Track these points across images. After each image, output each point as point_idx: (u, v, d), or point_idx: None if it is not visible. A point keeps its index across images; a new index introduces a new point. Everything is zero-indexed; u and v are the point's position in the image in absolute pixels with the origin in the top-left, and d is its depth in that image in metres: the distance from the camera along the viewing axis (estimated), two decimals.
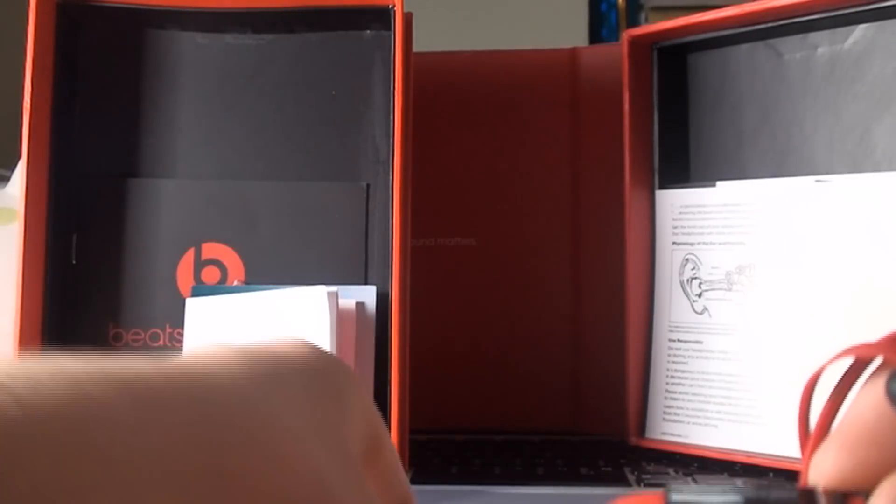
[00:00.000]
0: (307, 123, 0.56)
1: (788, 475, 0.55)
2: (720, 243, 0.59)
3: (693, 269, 0.60)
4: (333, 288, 0.51)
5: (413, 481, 0.54)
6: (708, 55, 0.63)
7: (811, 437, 0.22)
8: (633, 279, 0.62)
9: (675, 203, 0.62)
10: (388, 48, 0.55)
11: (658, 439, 0.61)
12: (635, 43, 0.63)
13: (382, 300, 0.53)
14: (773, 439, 0.56)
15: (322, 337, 0.50)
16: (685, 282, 0.61)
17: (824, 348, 0.54)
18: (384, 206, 0.54)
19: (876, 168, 0.55)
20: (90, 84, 0.56)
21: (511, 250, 0.71)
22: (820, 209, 0.55)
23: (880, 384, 0.21)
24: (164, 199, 0.55)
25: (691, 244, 0.61)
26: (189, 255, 0.55)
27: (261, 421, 0.22)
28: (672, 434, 0.60)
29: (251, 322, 0.52)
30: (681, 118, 0.64)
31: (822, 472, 0.21)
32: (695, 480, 0.55)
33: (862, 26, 0.56)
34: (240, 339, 0.52)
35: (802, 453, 0.22)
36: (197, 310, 0.53)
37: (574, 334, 0.70)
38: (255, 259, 0.55)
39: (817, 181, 0.55)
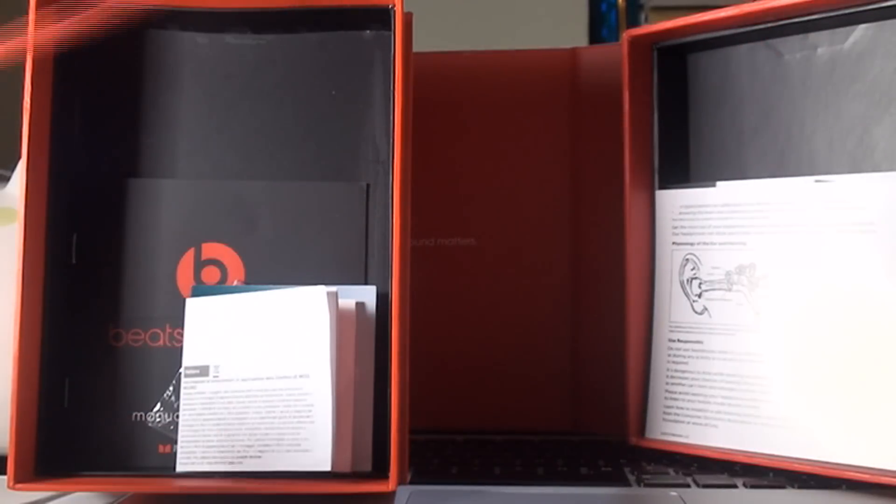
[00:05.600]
0: (307, 123, 0.56)
1: (788, 475, 0.55)
2: (720, 243, 0.59)
3: (693, 269, 0.60)
4: (333, 288, 0.51)
5: (413, 481, 0.54)
6: (708, 55, 0.63)
7: None
8: (633, 279, 0.62)
9: (675, 203, 0.62)
10: (388, 48, 0.55)
11: (658, 439, 0.61)
12: (635, 43, 0.63)
13: (382, 300, 0.53)
14: (773, 439, 0.56)
15: (322, 337, 0.50)
16: (685, 282, 0.61)
17: (824, 348, 0.54)
18: (384, 206, 0.54)
19: (876, 168, 0.55)
20: (90, 84, 0.56)
21: (511, 250, 0.71)
22: (820, 209, 0.55)
23: None
24: (164, 199, 0.55)
25: (691, 244, 0.61)
26: (189, 255, 0.55)
27: None
28: (672, 434, 0.60)
29: (251, 322, 0.52)
30: (681, 118, 0.64)
31: None
32: (695, 480, 0.55)
33: (862, 26, 0.56)
34: (240, 340, 0.52)
35: None
36: (197, 310, 0.53)
37: (574, 334, 0.70)
38: (255, 259, 0.55)
39: (817, 181, 0.55)
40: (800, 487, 0.54)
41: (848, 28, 0.57)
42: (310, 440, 0.49)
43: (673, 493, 0.53)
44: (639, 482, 0.55)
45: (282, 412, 0.50)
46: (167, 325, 0.55)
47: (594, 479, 0.56)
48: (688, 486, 0.54)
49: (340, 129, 0.56)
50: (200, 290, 0.54)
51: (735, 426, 0.57)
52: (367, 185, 0.55)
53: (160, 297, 0.55)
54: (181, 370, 0.52)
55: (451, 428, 0.69)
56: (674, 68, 0.64)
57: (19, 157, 0.52)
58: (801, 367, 0.55)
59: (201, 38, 0.56)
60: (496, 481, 0.56)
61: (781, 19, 0.58)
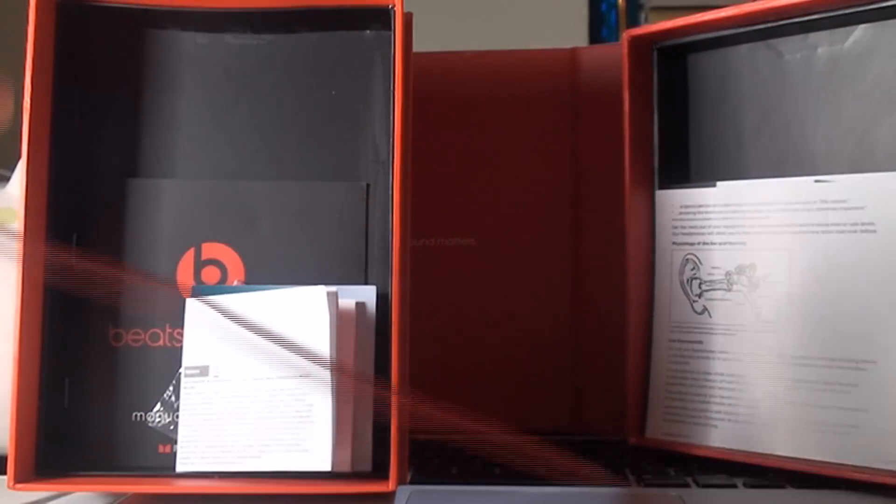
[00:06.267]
0: (307, 123, 0.56)
1: (788, 475, 0.55)
2: (720, 243, 0.59)
3: (693, 269, 0.60)
4: (333, 288, 0.51)
5: (413, 481, 0.54)
6: (708, 55, 0.63)
7: None
8: (633, 279, 0.62)
9: (675, 203, 0.62)
10: (388, 48, 0.55)
11: (658, 439, 0.61)
12: (635, 43, 0.63)
13: (382, 300, 0.53)
14: (773, 439, 0.56)
15: (322, 337, 0.50)
16: (685, 282, 0.61)
17: (824, 348, 0.54)
18: (384, 206, 0.54)
19: (876, 168, 0.55)
20: (90, 84, 0.56)
21: (511, 250, 0.71)
22: (820, 209, 0.55)
23: None
24: (164, 199, 0.55)
25: (691, 244, 0.61)
26: (189, 255, 0.55)
27: None
28: (672, 434, 0.60)
29: (251, 322, 0.52)
30: (681, 118, 0.64)
31: None
32: (695, 480, 0.55)
33: (862, 26, 0.56)
34: (240, 340, 0.52)
35: None
36: (197, 310, 0.53)
37: (574, 334, 0.70)
38: (255, 259, 0.55)
39: (817, 181, 0.55)
40: (800, 487, 0.54)
41: (848, 28, 0.57)
42: (310, 440, 0.49)
43: (673, 493, 0.53)
44: (639, 482, 0.55)
45: (282, 412, 0.50)
46: (167, 325, 0.55)
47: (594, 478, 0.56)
48: (688, 486, 0.54)
49: (340, 129, 0.56)
50: (200, 290, 0.54)
51: (735, 426, 0.57)
52: (367, 185, 0.55)
53: (160, 297, 0.55)
54: (181, 370, 0.52)
55: (451, 428, 0.69)
56: (674, 68, 0.64)
57: (19, 157, 0.52)
58: (801, 367, 0.55)
59: (201, 38, 0.56)
60: (496, 481, 0.56)
61: (781, 19, 0.58)
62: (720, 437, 0.58)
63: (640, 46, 0.63)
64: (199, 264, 0.55)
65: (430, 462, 0.60)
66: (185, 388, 0.52)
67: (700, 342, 0.60)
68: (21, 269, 0.51)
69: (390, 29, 0.54)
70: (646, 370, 0.62)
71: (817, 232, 0.55)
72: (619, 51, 0.63)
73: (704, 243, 0.60)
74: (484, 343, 0.71)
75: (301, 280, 0.53)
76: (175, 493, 0.51)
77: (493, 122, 0.72)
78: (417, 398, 0.53)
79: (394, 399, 0.50)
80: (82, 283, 0.55)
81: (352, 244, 0.55)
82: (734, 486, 0.54)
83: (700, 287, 0.60)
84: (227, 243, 0.55)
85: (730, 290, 0.58)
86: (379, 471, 0.51)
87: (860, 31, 0.56)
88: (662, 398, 0.61)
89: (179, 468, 0.51)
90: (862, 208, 0.53)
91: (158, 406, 0.53)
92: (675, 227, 0.62)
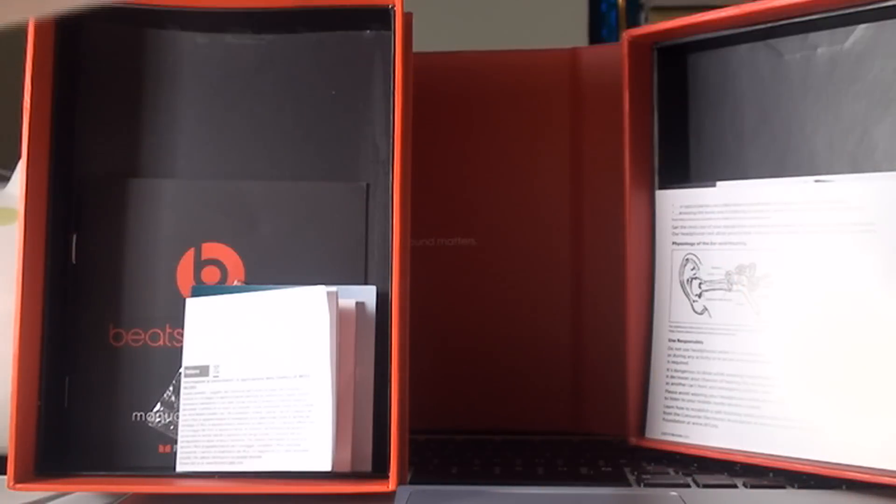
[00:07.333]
0: (307, 123, 0.56)
1: (788, 475, 0.55)
2: (720, 243, 0.59)
3: (693, 269, 0.60)
4: (333, 288, 0.51)
5: (413, 481, 0.54)
6: (708, 55, 0.63)
7: None
8: (633, 279, 0.62)
9: (675, 203, 0.62)
10: (388, 48, 0.55)
11: (658, 439, 0.61)
12: (635, 43, 0.63)
13: (382, 300, 0.53)
14: (773, 439, 0.56)
15: (322, 337, 0.50)
16: (685, 282, 0.61)
17: (824, 348, 0.54)
18: (384, 206, 0.54)
19: (876, 168, 0.55)
20: (90, 84, 0.56)
21: (511, 250, 0.71)
22: (820, 209, 0.55)
23: None
24: (164, 199, 0.55)
25: (691, 244, 0.61)
26: (189, 255, 0.55)
27: None
28: (672, 434, 0.60)
29: (251, 322, 0.52)
30: (681, 118, 0.64)
31: None
32: (695, 480, 0.55)
33: (862, 26, 0.56)
34: (240, 340, 0.52)
35: None
36: (197, 310, 0.53)
37: (574, 334, 0.70)
38: (255, 259, 0.55)
39: (817, 181, 0.55)
40: (800, 487, 0.54)
41: (848, 28, 0.57)
42: (310, 440, 0.49)
43: (673, 493, 0.53)
44: (639, 482, 0.55)
45: (282, 412, 0.50)
46: (167, 325, 0.55)
47: (594, 479, 0.56)
48: (688, 486, 0.54)
49: (340, 129, 0.56)
50: (200, 290, 0.54)
51: (735, 426, 0.57)
52: (367, 185, 0.55)
53: (160, 297, 0.55)
54: (181, 370, 0.52)
55: (451, 428, 0.69)
56: (674, 68, 0.64)
57: (19, 157, 0.52)
58: (801, 366, 0.55)
59: (201, 38, 0.56)
60: (496, 481, 0.56)
61: (781, 19, 0.58)
62: (720, 437, 0.58)
63: (640, 46, 0.63)
64: (199, 264, 0.55)
65: (430, 462, 0.60)
66: (185, 388, 0.52)
67: (700, 342, 0.60)
68: (21, 269, 0.51)
69: (390, 29, 0.54)
70: (646, 370, 0.62)
71: (817, 232, 0.55)
72: (619, 51, 0.63)
73: (704, 243, 0.60)
74: (484, 343, 0.71)
75: (301, 280, 0.53)
76: (175, 493, 0.51)
77: (492, 122, 0.72)
78: (417, 398, 0.53)
79: (394, 399, 0.50)
80: (82, 283, 0.55)
81: (352, 244, 0.55)
82: (734, 486, 0.54)
83: (700, 287, 0.60)
84: (227, 243, 0.55)
85: (730, 290, 0.58)
86: (379, 471, 0.51)
87: (860, 31, 0.56)
88: (662, 398, 0.61)
89: (179, 468, 0.51)
90: (862, 208, 0.53)
91: (158, 406, 0.53)
92: (675, 227, 0.62)
